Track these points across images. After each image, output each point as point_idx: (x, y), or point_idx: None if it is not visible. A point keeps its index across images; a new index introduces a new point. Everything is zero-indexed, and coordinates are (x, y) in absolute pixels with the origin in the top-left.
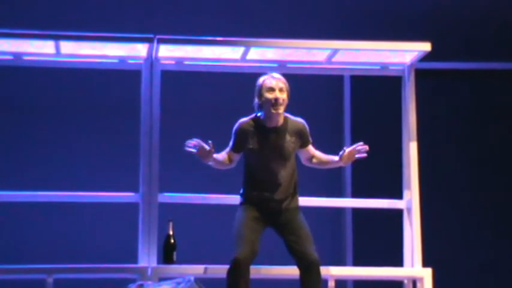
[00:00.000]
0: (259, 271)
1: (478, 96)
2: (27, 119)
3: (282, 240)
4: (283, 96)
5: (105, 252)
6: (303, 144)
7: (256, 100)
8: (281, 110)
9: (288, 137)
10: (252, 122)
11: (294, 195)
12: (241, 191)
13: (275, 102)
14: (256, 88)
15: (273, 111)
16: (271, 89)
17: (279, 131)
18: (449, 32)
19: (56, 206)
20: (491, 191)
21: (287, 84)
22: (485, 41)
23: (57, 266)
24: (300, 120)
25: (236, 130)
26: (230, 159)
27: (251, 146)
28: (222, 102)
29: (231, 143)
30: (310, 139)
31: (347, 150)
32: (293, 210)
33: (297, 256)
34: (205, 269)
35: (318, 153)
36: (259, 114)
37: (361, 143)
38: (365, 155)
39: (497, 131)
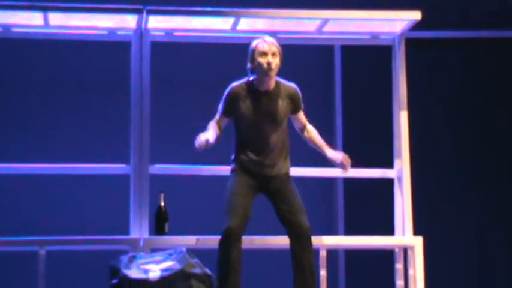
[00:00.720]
0: (253, 241)
1: (470, 65)
2: (16, 91)
3: (274, 209)
4: (275, 61)
5: (97, 224)
6: (295, 110)
7: (248, 64)
8: (273, 74)
9: (279, 101)
10: (244, 86)
11: (286, 160)
12: (232, 157)
13: (268, 67)
14: (249, 52)
15: (266, 75)
16: (264, 54)
17: (271, 95)
18: (440, 1)
19: (47, 179)
20: (483, 160)
21: (280, 48)
22: (476, 9)
23: (49, 238)
24: (292, 85)
25: (228, 94)
26: (219, 127)
27: (242, 110)
28: (212, 72)
29: (221, 108)
30: (302, 106)
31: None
32: (284, 176)
33: (288, 225)
34: (197, 239)
35: (311, 129)
36: (251, 78)
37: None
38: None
39: (489, 99)
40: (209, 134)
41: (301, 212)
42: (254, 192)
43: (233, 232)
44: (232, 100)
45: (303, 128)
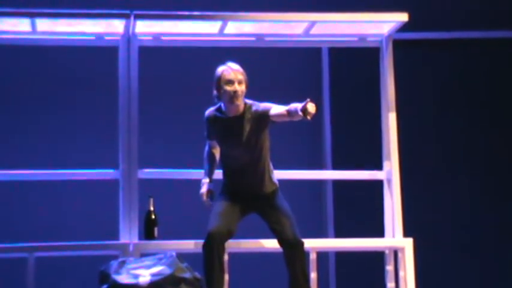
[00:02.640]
0: (240, 244)
1: (457, 66)
2: (4, 97)
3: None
4: (242, 88)
5: (87, 229)
6: (266, 117)
7: (214, 91)
8: (240, 101)
9: (247, 126)
10: (215, 112)
11: (269, 180)
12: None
13: (234, 95)
14: (215, 79)
15: (232, 103)
16: (230, 82)
17: (239, 120)
18: (427, 2)
19: (36, 185)
20: (472, 160)
21: (245, 75)
22: (463, 10)
23: (39, 244)
24: (258, 106)
25: (205, 120)
26: (214, 149)
27: (217, 135)
28: (200, 77)
29: (206, 133)
30: (268, 106)
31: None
32: (270, 194)
33: (280, 240)
34: (187, 244)
35: (285, 107)
36: (222, 104)
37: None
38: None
39: (476, 100)
40: (205, 187)
41: (292, 227)
42: (241, 214)
43: (213, 237)
44: (209, 125)
45: (285, 113)
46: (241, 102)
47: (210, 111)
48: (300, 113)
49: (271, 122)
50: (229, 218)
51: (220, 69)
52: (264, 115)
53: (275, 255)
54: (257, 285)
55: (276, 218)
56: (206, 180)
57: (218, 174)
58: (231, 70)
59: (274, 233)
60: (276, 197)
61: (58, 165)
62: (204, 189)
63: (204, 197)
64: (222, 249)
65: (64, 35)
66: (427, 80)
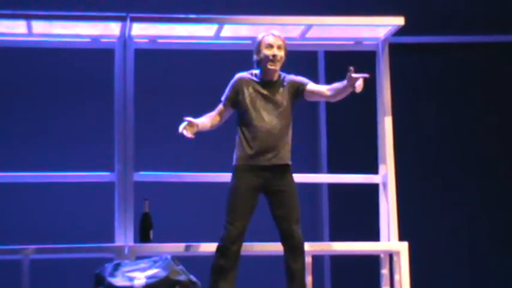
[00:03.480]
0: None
1: (453, 70)
2: (0, 99)
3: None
4: (281, 54)
5: (82, 232)
6: (300, 91)
7: (254, 56)
8: (278, 66)
9: (281, 91)
10: (249, 76)
11: (287, 151)
12: (234, 155)
13: (273, 59)
14: (255, 44)
15: (270, 67)
16: (270, 46)
17: (274, 85)
18: (423, 6)
19: (31, 187)
20: (468, 165)
21: (285, 42)
22: (459, 14)
23: (33, 246)
24: (294, 77)
25: (233, 82)
26: (220, 115)
27: (246, 98)
28: (196, 79)
29: (225, 95)
30: (306, 81)
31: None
32: (285, 168)
33: (281, 233)
34: (182, 246)
35: (330, 87)
36: (257, 70)
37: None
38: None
39: (473, 104)
40: (191, 118)
41: (296, 221)
42: (256, 193)
43: (232, 241)
44: (237, 88)
45: (325, 92)
46: (278, 68)
47: (242, 74)
48: (351, 85)
49: (301, 96)
50: (245, 212)
51: (262, 34)
52: (301, 85)
53: (273, 258)
54: None
55: (285, 214)
56: (195, 119)
57: (223, 177)
58: (271, 35)
59: (280, 230)
60: (291, 177)
61: (53, 167)
62: (190, 118)
63: (184, 125)
64: (237, 253)
65: (60, 37)
66: (423, 84)
